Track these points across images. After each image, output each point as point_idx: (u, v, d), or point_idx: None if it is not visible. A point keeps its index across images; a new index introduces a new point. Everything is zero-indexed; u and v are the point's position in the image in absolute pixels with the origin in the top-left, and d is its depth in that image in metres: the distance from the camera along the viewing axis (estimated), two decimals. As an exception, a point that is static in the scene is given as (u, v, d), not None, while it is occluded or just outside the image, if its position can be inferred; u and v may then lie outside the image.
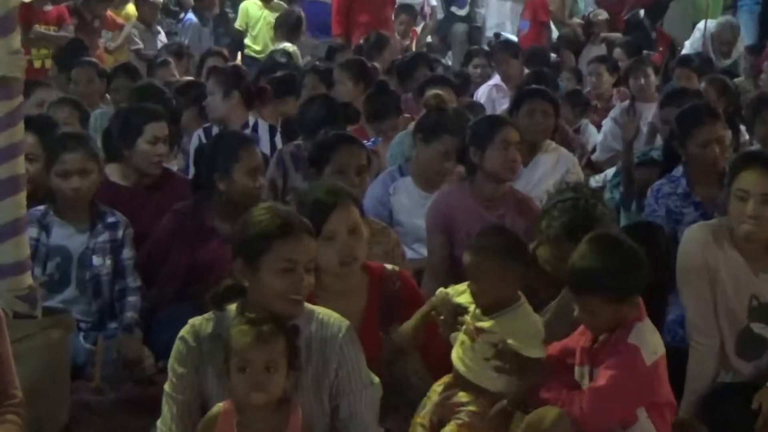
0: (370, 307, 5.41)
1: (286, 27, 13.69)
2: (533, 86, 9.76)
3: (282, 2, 14.41)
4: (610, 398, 4.87)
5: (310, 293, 4.76)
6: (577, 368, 5.04)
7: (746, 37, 14.64)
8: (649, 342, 4.93)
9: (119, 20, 13.92)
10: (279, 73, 10.86)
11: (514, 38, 14.06)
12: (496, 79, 12.10)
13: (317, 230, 5.10)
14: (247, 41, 14.24)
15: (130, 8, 14.30)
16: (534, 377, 5.04)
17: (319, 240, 5.05)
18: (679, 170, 7.36)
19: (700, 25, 14.09)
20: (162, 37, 14.54)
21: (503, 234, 5.40)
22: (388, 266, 5.73)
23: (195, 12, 14.74)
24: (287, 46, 13.29)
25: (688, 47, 14.18)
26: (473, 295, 5.19)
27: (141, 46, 14.05)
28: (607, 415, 4.91)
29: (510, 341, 5.04)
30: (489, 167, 7.20)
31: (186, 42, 14.13)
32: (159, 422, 4.67)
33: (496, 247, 5.22)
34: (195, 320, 4.74)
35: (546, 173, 8.18)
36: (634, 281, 4.95)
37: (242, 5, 14.45)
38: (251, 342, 4.43)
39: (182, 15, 15.19)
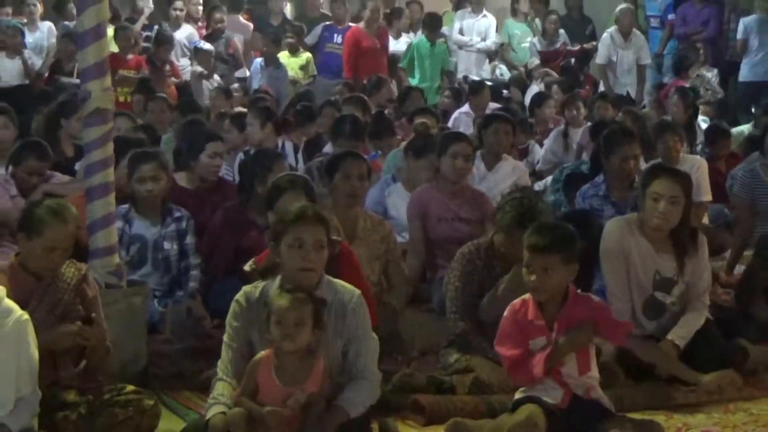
0: None
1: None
2: (498, 112, 9.78)
3: (305, 52, 14.33)
4: None
5: None
6: (534, 341, 4.86)
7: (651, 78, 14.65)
8: None
9: (179, 71, 13.88)
10: (300, 106, 10.87)
11: (478, 79, 14.13)
12: (466, 107, 12.09)
13: (271, 206, 5.75)
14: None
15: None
16: None
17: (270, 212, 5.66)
18: (600, 177, 7.39)
19: (610, 30, 14.17)
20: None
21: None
22: (335, 237, 5.67)
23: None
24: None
25: (600, 47, 14.19)
26: None
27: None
28: None
29: None
30: (443, 172, 7.25)
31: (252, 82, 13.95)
32: (219, 363, 4.68)
33: None
34: (246, 288, 4.75)
35: (505, 177, 8.18)
36: (575, 249, 4.91)
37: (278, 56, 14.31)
38: (286, 304, 4.49)
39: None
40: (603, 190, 7.29)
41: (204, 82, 13.61)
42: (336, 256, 5.58)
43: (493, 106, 11.82)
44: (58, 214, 4.94)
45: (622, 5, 14.37)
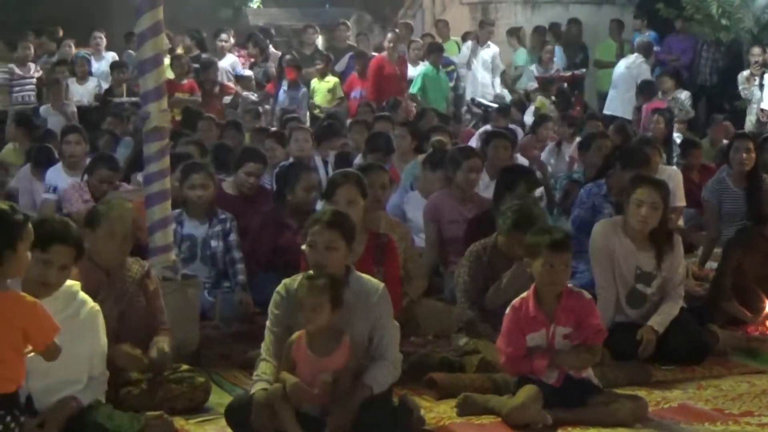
0: (367, 251, 5.36)
1: None
2: (498, 129, 9.76)
3: (333, 77, 14.29)
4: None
5: None
6: (532, 336, 4.83)
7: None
8: None
9: (232, 87, 13.88)
10: (326, 123, 10.85)
11: (486, 102, 14.15)
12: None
13: (329, 198, 5.59)
14: (313, 103, 14.11)
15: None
16: None
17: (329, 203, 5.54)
18: (602, 181, 7.44)
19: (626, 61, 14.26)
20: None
21: None
22: (381, 232, 5.90)
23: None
24: None
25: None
26: None
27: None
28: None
29: None
30: (458, 182, 7.25)
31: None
32: (262, 345, 4.67)
33: None
34: (286, 280, 4.74)
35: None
36: None
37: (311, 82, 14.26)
38: (304, 292, 4.50)
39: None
40: (604, 190, 7.37)
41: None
42: (383, 246, 5.69)
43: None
44: (114, 205, 5.09)
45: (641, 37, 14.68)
